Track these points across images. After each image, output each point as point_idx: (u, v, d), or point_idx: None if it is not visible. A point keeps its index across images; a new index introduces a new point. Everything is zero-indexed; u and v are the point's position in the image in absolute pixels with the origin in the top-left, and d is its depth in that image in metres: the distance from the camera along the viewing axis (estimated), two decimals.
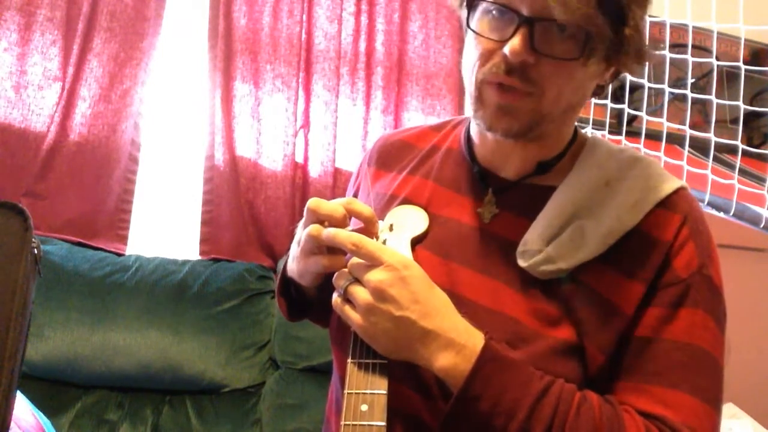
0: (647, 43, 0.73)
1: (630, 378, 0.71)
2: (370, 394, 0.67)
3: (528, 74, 0.69)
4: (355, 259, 0.71)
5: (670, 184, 0.76)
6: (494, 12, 0.70)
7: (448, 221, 0.82)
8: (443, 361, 0.67)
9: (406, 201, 0.85)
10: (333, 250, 0.75)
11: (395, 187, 0.89)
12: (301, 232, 0.78)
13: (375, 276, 0.68)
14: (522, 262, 0.74)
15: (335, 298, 0.74)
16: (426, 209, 0.83)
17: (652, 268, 0.72)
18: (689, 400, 0.69)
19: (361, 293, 0.69)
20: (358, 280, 0.71)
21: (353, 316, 0.70)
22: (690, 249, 0.73)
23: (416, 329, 0.67)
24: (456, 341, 0.67)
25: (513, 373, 0.67)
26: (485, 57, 0.71)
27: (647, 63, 0.73)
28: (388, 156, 0.93)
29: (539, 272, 0.73)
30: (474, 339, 0.68)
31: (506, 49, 0.68)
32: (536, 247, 0.73)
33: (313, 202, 0.77)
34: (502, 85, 0.70)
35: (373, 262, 0.69)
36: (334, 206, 0.76)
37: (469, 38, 0.74)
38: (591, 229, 0.73)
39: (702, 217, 0.77)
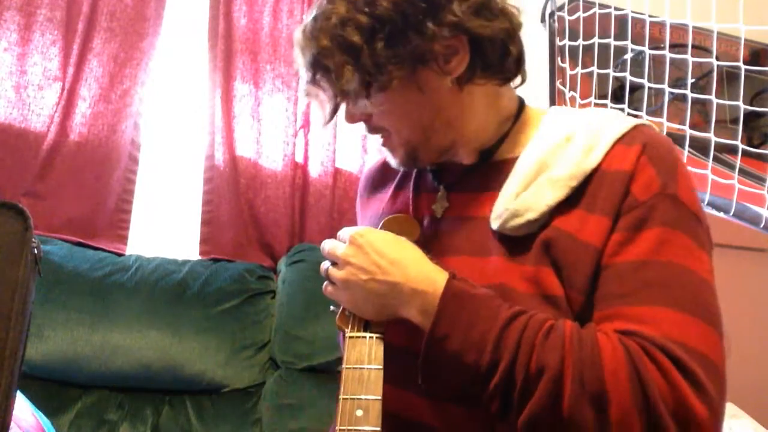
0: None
1: (602, 306, 0.69)
2: (365, 399, 0.68)
3: (369, 125, 0.82)
4: (329, 243, 0.79)
5: (629, 122, 0.76)
6: None
7: (429, 220, 0.85)
8: (412, 311, 0.71)
9: (396, 214, 0.88)
10: None
11: (385, 204, 0.93)
12: None
13: (340, 252, 0.76)
14: (494, 225, 0.76)
15: (324, 285, 0.80)
16: (414, 216, 0.87)
17: (616, 200, 0.71)
18: (669, 313, 0.65)
19: (336, 272, 0.77)
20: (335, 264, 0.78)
21: (336, 293, 0.77)
22: (649, 173, 0.72)
23: (383, 287, 0.72)
24: (419, 289, 0.71)
25: (478, 307, 0.68)
26: None
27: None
28: (374, 181, 0.99)
29: (510, 228, 0.74)
30: (436, 284, 0.70)
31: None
32: (506, 206, 0.75)
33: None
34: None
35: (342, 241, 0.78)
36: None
37: None
38: (554, 178, 0.74)
39: (664, 143, 0.75)
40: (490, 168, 0.82)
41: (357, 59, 0.72)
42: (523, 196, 0.74)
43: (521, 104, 0.86)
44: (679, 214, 0.70)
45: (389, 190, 0.94)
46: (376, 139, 0.85)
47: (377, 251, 0.73)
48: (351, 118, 0.82)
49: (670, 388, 0.61)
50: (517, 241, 0.74)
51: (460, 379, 0.69)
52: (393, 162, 0.85)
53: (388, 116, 0.79)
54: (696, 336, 0.64)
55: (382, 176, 0.98)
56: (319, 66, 0.75)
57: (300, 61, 0.78)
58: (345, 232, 0.78)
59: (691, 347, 0.63)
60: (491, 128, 0.83)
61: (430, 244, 0.81)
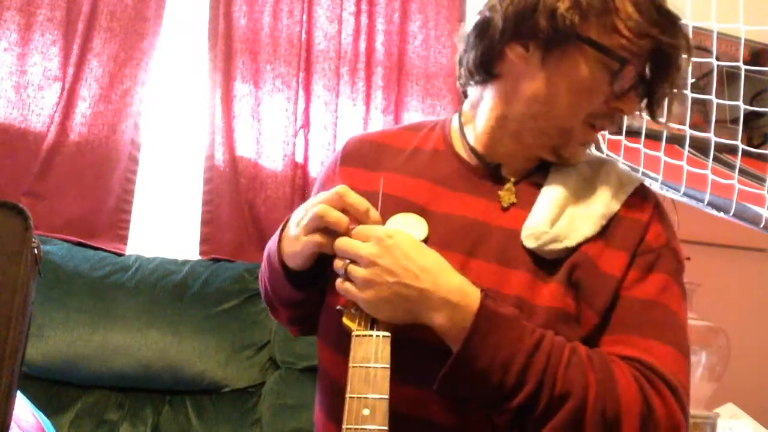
0: None
1: (615, 330, 0.80)
2: (372, 398, 0.68)
3: (620, 117, 0.89)
4: (345, 241, 0.77)
5: (637, 178, 0.90)
6: (615, 65, 0.81)
7: (450, 218, 0.84)
8: (440, 319, 0.72)
9: (403, 201, 0.86)
10: (330, 232, 0.79)
11: (386, 186, 0.88)
12: (308, 211, 0.80)
13: (365, 251, 0.75)
14: (530, 243, 0.81)
15: (338, 281, 0.78)
16: (425, 207, 0.85)
17: (633, 241, 0.83)
18: (663, 348, 0.78)
19: (358, 270, 0.75)
20: (354, 261, 0.76)
21: (355, 292, 0.75)
22: (659, 226, 0.86)
23: (411, 291, 0.72)
24: (450, 300, 0.72)
25: (507, 329, 0.72)
26: (596, 102, 0.83)
27: None
28: (364, 156, 0.95)
29: (547, 251, 0.80)
30: (468, 297, 0.73)
31: (622, 105, 0.84)
32: (543, 229, 0.81)
33: (342, 190, 0.80)
34: (595, 126, 0.86)
35: (362, 239, 0.76)
36: (359, 200, 0.80)
37: (579, 77, 0.81)
38: (586, 214, 0.83)
39: (661, 203, 0.92)
40: (529, 187, 0.88)
41: None
42: (559, 224, 0.82)
43: None
44: (676, 266, 0.85)
45: (388, 171, 0.90)
46: (581, 134, 0.87)
47: (406, 255, 0.74)
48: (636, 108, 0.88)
49: (667, 414, 0.74)
50: (545, 261, 0.81)
51: (480, 392, 0.72)
52: (579, 157, 0.89)
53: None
54: (683, 370, 0.79)
55: (375, 154, 0.94)
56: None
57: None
58: (367, 231, 0.77)
59: (680, 379, 0.77)
60: None
61: (456, 241, 0.82)
